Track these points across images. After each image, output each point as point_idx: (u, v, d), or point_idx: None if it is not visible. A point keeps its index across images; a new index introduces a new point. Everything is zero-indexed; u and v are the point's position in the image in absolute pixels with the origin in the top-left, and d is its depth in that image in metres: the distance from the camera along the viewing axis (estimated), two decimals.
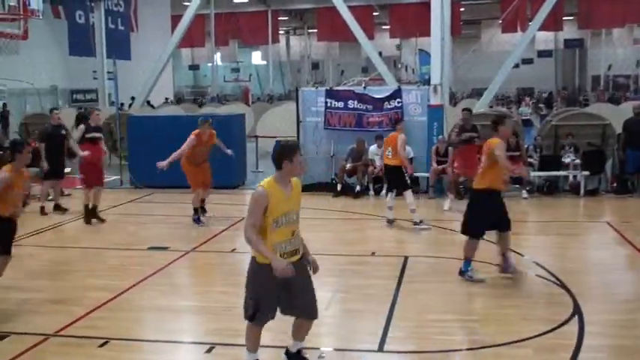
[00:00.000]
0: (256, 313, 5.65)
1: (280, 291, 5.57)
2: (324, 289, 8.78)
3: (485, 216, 8.51)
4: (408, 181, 12.24)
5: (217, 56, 47.77)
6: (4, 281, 8.10)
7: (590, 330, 6.89)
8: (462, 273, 8.64)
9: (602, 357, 6.45)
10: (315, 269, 5.86)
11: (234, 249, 10.65)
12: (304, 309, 5.86)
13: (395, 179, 12.32)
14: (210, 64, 46.97)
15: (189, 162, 12.25)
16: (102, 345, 6.70)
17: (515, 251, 9.38)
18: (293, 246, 5.56)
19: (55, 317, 7.46)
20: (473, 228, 8.62)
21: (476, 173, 8.71)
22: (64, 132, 14.08)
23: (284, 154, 5.42)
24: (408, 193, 12.12)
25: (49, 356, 6.55)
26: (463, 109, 15.37)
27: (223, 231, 12.02)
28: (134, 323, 7.51)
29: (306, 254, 5.82)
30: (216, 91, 45.04)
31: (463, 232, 8.78)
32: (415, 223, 12.03)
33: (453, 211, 13.25)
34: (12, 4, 16.22)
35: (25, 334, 6.99)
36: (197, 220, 12.41)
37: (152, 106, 27.59)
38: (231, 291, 8.54)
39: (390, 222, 12.34)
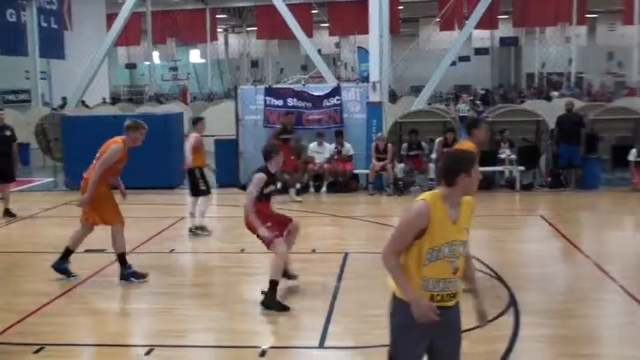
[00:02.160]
0: None
1: (425, 341, 4.19)
2: (264, 286, 8.80)
3: None
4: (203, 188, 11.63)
5: (155, 55, 47.11)
6: None
7: (526, 320, 7.05)
8: None
9: (538, 346, 6.62)
10: (483, 320, 4.58)
11: (173, 249, 10.54)
12: None
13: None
14: (147, 63, 46.31)
15: (106, 184, 8.99)
16: (37, 351, 6.53)
17: None
18: (451, 288, 4.15)
19: None
20: None
21: None
22: (8, 133, 13.49)
23: (462, 165, 4.09)
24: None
25: None
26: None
27: (162, 232, 11.86)
28: (71, 327, 7.35)
29: (479, 302, 4.49)
30: (153, 90, 44.43)
31: None
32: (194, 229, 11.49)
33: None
34: None
35: None
36: (134, 276, 8.84)
37: (87, 106, 27.05)
38: (169, 292, 8.47)
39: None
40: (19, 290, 8.61)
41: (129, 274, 8.76)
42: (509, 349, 6.35)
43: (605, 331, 7.15)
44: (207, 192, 11.63)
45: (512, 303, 7.56)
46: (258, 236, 7.92)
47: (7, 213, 13.29)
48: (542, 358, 6.47)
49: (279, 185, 10.81)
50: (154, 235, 11.59)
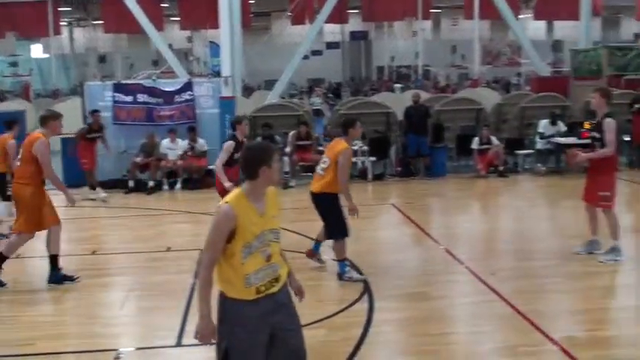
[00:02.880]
0: None
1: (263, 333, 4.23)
2: (118, 288, 8.56)
3: (341, 213, 8.32)
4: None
5: None
6: None
7: (380, 305, 7.27)
8: (340, 275, 8.27)
9: (392, 329, 6.85)
10: (302, 295, 4.64)
11: (19, 254, 9.98)
12: (298, 354, 4.42)
13: None
14: None
15: (41, 187, 8.37)
16: None
17: (310, 237, 9.62)
18: (270, 274, 4.25)
19: None
20: (339, 228, 8.33)
21: None
22: None
23: (263, 158, 4.17)
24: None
25: None
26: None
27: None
28: None
29: (292, 278, 4.60)
30: None
31: (330, 237, 8.47)
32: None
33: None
34: None
35: None
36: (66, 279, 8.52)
37: None
38: (16, 299, 8.05)
39: None
40: None
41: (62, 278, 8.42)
42: (364, 334, 6.51)
43: (455, 310, 7.48)
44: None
45: (367, 290, 7.76)
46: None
47: None
48: (396, 340, 6.68)
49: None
50: None
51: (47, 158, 8.15)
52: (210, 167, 15.42)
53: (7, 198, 11.02)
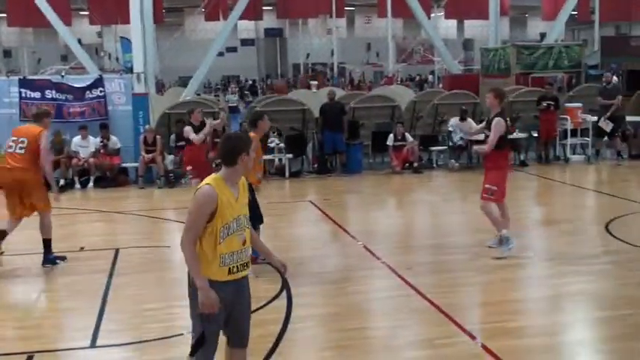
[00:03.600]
0: (200, 346, 4.49)
1: (224, 314, 4.54)
2: (29, 289, 8.29)
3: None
4: None
5: None
6: None
7: (299, 302, 7.28)
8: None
9: (311, 325, 6.87)
10: (285, 270, 5.15)
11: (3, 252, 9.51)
12: (243, 335, 4.76)
13: None
14: None
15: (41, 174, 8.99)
16: None
17: None
18: (243, 258, 4.54)
19: None
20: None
21: None
22: None
23: (241, 146, 4.47)
24: None
25: None
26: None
27: None
28: None
29: (270, 256, 5.13)
30: None
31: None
32: None
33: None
34: None
35: None
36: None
37: None
38: None
39: None
40: None
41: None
42: (283, 330, 6.51)
43: (372, 305, 7.57)
44: None
45: (285, 286, 7.76)
46: None
47: None
48: (315, 336, 6.71)
49: None
50: None
51: (47, 150, 8.91)
52: (124, 165, 15.17)
53: None
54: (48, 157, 8.98)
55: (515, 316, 6.98)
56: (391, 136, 16.02)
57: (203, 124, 12.17)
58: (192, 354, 4.51)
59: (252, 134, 8.30)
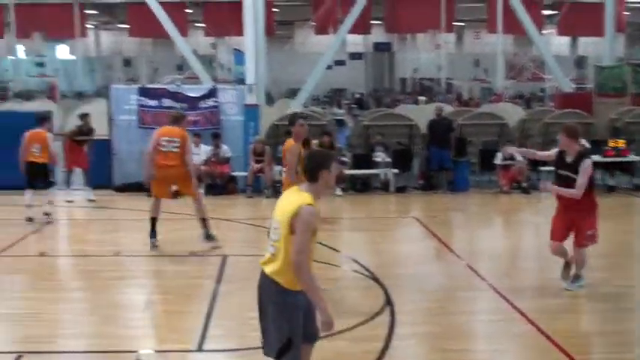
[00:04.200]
0: (287, 350, 4.63)
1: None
2: (140, 290, 8.63)
3: None
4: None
5: (20, 49, 44.89)
6: None
7: (401, 319, 7.25)
8: None
9: (413, 343, 6.83)
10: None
11: (43, 252, 10.08)
12: (315, 332, 4.89)
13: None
14: (11, 58, 44.10)
15: None
16: None
17: (331, 247, 9.65)
18: None
19: None
20: None
21: None
22: None
23: (324, 162, 4.61)
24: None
25: None
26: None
27: (30, 234, 11.34)
28: None
29: None
30: (19, 87, 42.35)
31: None
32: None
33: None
34: None
35: None
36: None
37: None
38: (38, 297, 8.11)
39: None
40: None
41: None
42: (385, 348, 6.51)
43: (475, 327, 7.46)
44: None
45: (388, 303, 7.75)
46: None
47: None
48: (416, 355, 6.68)
49: None
50: (22, 237, 11.05)
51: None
52: (234, 174, 15.55)
53: (49, 184, 12.66)
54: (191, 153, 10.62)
55: (630, 347, 6.69)
56: (499, 154, 15.73)
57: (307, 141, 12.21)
58: (279, 358, 4.66)
59: (289, 142, 8.45)
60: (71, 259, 10.33)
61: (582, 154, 8.14)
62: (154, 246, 10.22)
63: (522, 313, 7.43)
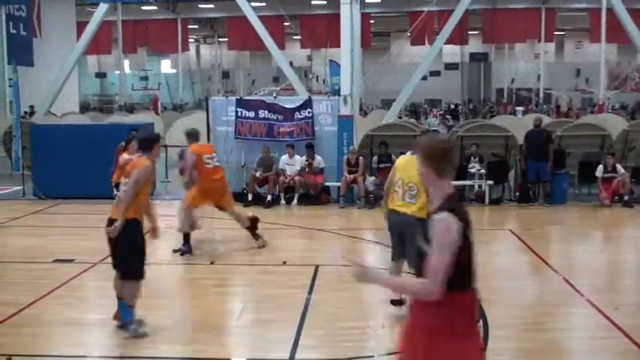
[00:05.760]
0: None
1: None
2: (235, 299, 8.81)
3: None
4: None
5: (125, 64, 46.77)
6: None
7: (496, 334, 7.11)
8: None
9: (506, 359, 6.67)
10: None
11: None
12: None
13: None
14: (117, 72, 45.99)
15: None
16: None
17: None
18: None
19: None
20: None
21: None
22: None
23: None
24: None
25: None
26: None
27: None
28: (39, 338, 7.23)
29: None
30: (124, 100, 44.14)
31: None
32: None
33: None
34: None
35: None
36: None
37: (54, 115, 26.71)
38: (140, 303, 8.38)
39: None
40: None
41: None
42: None
43: (572, 344, 7.24)
44: None
45: (482, 316, 7.62)
46: None
47: None
48: None
49: None
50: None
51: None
52: (327, 184, 15.68)
53: None
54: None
55: None
56: (600, 167, 15.22)
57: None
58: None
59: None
60: (167, 266, 10.60)
61: None
62: (185, 253, 10.66)
63: (623, 331, 7.16)
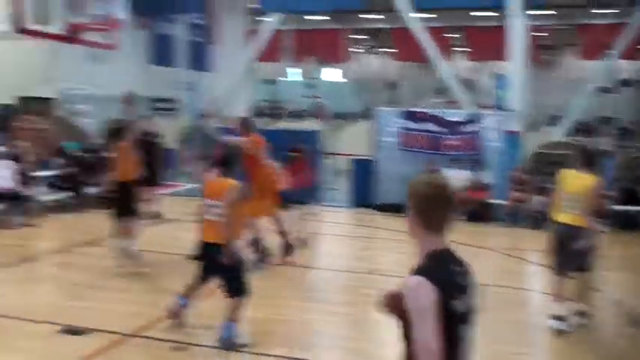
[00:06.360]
0: None
1: None
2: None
3: None
4: None
5: (293, 72, 48.19)
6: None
7: None
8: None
9: None
10: None
11: (306, 265, 10.67)
12: None
13: None
14: (285, 79, 47.46)
15: None
16: (177, 349, 6.88)
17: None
18: None
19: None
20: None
21: None
22: (153, 139, 13.81)
23: None
24: None
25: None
26: None
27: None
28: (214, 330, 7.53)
29: None
30: (292, 107, 45.50)
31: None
32: None
33: None
34: (99, 13, 16.75)
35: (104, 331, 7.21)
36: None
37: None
38: (296, 305, 8.57)
39: None
40: (166, 289, 8.61)
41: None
42: None
43: None
44: None
45: None
46: None
47: (152, 214, 13.61)
48: None
49: None
50: None
51: None
52: (491, 201, 15.36)
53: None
54: None
55: None
56: None
57: None
58: None
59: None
60: (329, 272, 10.76)
61: None
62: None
63: None
